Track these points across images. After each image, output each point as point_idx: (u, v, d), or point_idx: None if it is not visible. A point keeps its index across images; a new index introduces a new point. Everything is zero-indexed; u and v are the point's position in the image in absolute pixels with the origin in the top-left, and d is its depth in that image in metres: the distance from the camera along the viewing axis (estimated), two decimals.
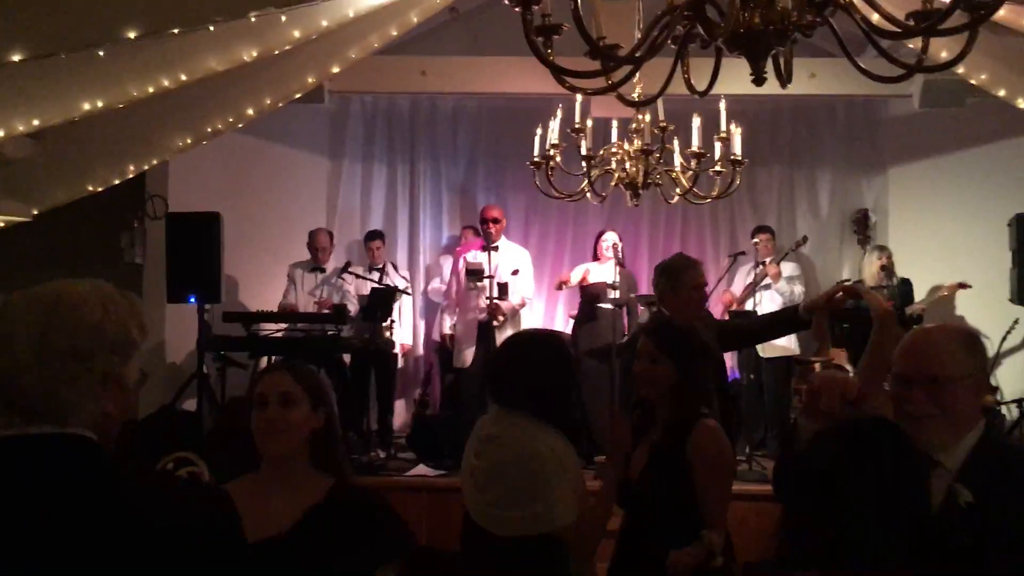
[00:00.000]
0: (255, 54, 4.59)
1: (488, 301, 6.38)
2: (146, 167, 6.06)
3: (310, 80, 5.72)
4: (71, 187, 6.09)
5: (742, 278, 7.68)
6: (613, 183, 5.08)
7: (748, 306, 7.49)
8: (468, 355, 6.67)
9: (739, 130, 5.20)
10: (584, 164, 4.84)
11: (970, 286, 7.00)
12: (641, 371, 3.00)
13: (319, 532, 2.11)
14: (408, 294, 7.19)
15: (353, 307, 6.78)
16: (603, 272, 6.99)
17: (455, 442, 5.13)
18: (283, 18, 4.52)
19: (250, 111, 5.85)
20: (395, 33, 5.42)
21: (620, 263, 6.79)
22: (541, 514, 2.63)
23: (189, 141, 5.96)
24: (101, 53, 3.69)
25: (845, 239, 8.38)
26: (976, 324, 7.55)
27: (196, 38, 4.42)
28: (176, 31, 3.65)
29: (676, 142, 5.39)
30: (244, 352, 6.43)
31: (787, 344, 7.44)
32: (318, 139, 8.47)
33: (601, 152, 5.11)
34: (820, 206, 8.45)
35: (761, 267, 7.46)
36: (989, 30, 5.19)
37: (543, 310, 8.36)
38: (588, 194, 5.36)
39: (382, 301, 6.29)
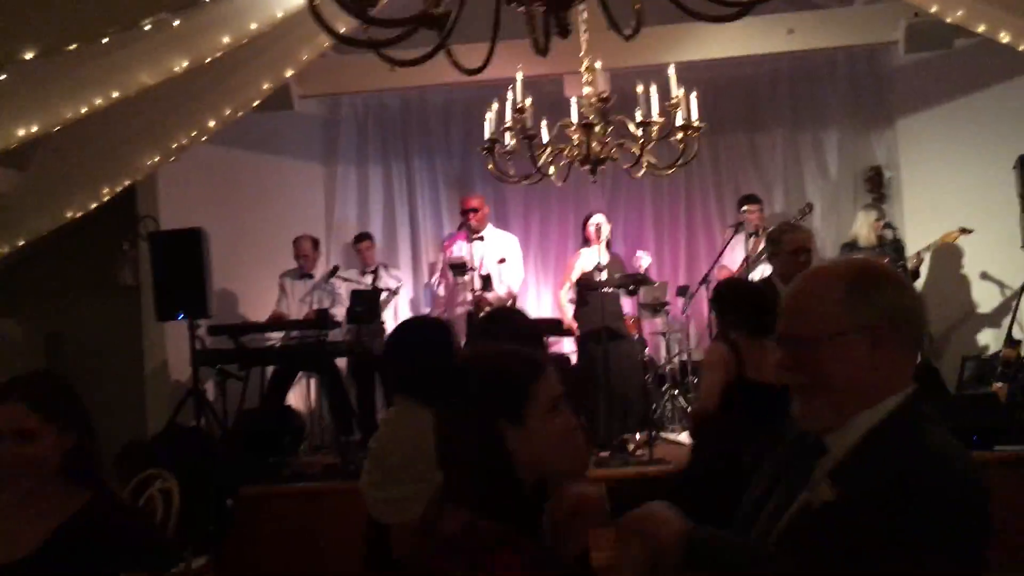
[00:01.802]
0: (185, 64, 4.54)
1: (472, 294, 6.27)
2: (119, 188, 6.08)
3: (265, 86, 5.67)
4: (52, 215, 6.16)
5: (739, 251, 7.41)
6: (563, 162, 4.91)
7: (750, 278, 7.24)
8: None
9: (694, 95, 4.96)
10: (528, 144, 4.68)
11: (971, 231, 6.64)
12: None
13: (67, 550, 2.03)
14: (395, 293, 7.10)
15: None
16: (593, 255, 6.81)
17: None
18: (211, 24, 4.47)
19: (211, 123, 5.83)
20: (343, 30, 5.32)
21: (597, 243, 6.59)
22: (410, 498, 2.52)
23: (157, 159, 5.98)
24: (3, 76, 3.66)
25: (859, 198, 8.04)
26: (990, 272, 7.22)
27: (124, 54, 4.40)
28: (73, 47, 3.59)
29: (638, 114, 5.20)
30: (235, 364, 6.43)
31: None
32: (311, 147, 8.46)
33: (555, 131, 4.97)
34: (828, 167, 8.12)
35: (753, 239, 7.20)
36: None
37: (550, 298, 8.20)
38: (552, 175, 5.24)
39: (365, 303, 6.22)
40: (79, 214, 6.18)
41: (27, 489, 2.11)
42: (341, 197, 8.47)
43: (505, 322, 3.05)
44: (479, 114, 8.29)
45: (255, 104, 5.90)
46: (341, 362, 6.79)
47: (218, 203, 7.63)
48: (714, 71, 7.95)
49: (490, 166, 5.00)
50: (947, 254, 7.17)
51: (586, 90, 4.86)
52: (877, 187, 7.83)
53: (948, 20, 5.33)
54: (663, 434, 7.00)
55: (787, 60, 7.84)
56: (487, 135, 4.92)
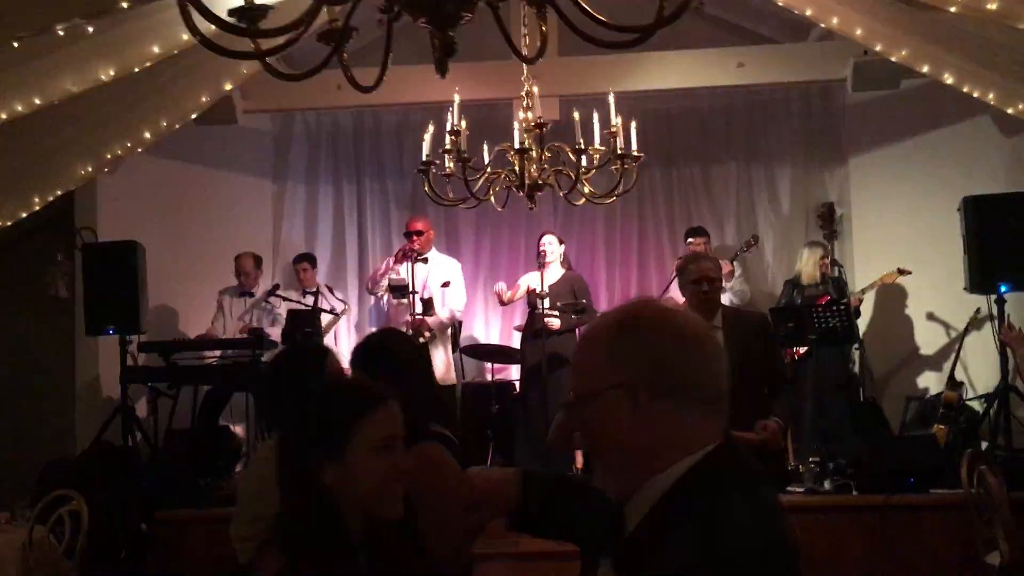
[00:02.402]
0: (112, 73, 4.41)
1: (412, 317, 6.15)
2: (51, 198, 5.92)
3: (204, 99, 5.54)
4: None
5: None
6: (500, 187, 4.82)
7: None
8: None
9: (633, 124, 4.91)
10: (463, 168, 4.60)
11: (909, 272, 6.64)
12: None
13: None
14: (338, 316, 6.94)
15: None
16: (548, 277, 6.70)
17: None
18: (139, 34, 4.36)
19: (147, 135, 5.71)
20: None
21: (541, 266, 6.50)
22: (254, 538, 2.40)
23: (90, 169, 5.82)
24: None
25: (811, 234, 8.01)
26: (935, 313, 7.21)
27: (48, 61, 4.27)
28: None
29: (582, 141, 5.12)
30: (165, 383, 6.26)
31: None
32: (262, 163, 8.32)
33: (493, 155, 4.89)
34: (781, 201, 8.10)
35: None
36: (908, 4, 4.90)
37: (499, 323, 8.10)
38: (492, 199, 5.16)
39: (301, 324, 6.09)
40: (8, 223, 6.00)
41: None
42: (289, 215, 8.32)
43: (382, 351, 2.85)
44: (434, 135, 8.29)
45: (194, 117, 5.76)
46: None
47: (162, 217, 7.49)
48: (670, 102, 7.94)
49: (426, 188, 4.89)
50: (892, 294, 7.18)
51: (524, 115, 4.78)
52: (829, 223, 7.79)
53: (893, 59, 5.33)
54: None
55: (742, 94, 7.84)
56: (424, 156, 4.82)
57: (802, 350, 6.74)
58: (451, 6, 1.98)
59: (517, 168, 4.63)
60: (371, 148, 8.31)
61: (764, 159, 8.08)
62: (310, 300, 7.01)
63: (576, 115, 4.69)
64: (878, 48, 5.24)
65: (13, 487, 6.71)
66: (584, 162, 4.76)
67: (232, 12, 2.07)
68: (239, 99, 6.48)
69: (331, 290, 7.23)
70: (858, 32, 5.14)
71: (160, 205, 7.49)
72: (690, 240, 7.28)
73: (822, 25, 5.47)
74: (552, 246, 6.70)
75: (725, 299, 7.05)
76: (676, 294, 7.25)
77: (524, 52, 4.76)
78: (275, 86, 6.81)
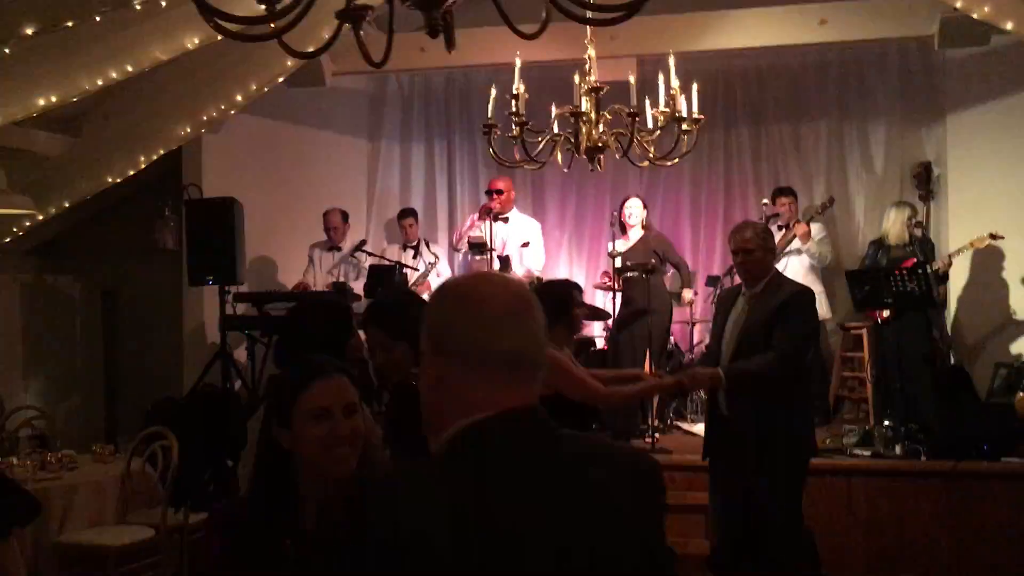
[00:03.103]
0: (197, 41, 4.73)
1: None
2: (154, 157, 6.38)
3: (289, 63, 5.84)
4: (95, 180, 6.49)
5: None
6: (558, 150, 4.94)
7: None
8: None
9: (695, 87, 4.90)
10: (517, 130, 4.73)
11: (1001, 237, 6.40)
12: (381, 365, 2.92)
13: None
14: (431, 267, 7.17)
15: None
16: (627, 241, 6.82)
17: None
18: (221, 2, 4.63)
19: (239, 97, 6.06)
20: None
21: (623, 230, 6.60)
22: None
23: (189, 130, 6.23)
24: (7, 50, 3.91)
25: (905, 195, 7.80)
26: (1023, 280, 6.96)
27: (136, 31, 4.62)
28: (70, 23, 3.81)
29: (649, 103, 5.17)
30: (258, 331, 6.69)
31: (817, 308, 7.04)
32: (357, 122, 8.65)
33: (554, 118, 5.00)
34: (874, 160, 7.90)
35: (785, 231, 7.09)
36: None
37: (582, 282, 8.22)
38: (559, 160, 5.27)
39: (382, 278, 6.38)
40: (118, 180, 6.50)
41: None
42: (384, 172, 8.64)
43: (393, 309, 3.02)
44: (532, 95, 8.43)
45: (281, 80, 6.08)
46: None
47: (263, 174, 7.89)
48: (759, 59, 7.83)
49: (490, 150, 5.06)
50: (989, 257, 6.94)
51: (586, 78, 4.86)
52: (925, 184, 7.57)
53: (975, 15, 5.14)
54: (681, 423, 7.01)
55: (836, 49, 7.65)
56: (488, 118, 4.97)
57: (885, 313, 6.64)
58: None
59: (573, 131, 4.71)
60: (461, 108, 8.52)
61: (857, 117, 7.88)
62: (410, 254, 7.37)
63: (631, 78, 4.72)
64: (958, 5, 5.06)
65: (128, 425, 7.35)
66: (639, 124, 4.79)
67: None
68: (327, 62, 6.75)
69: (428, 244, 7.52)
70: None
71: (261, 163, 7.89)
72: (777, 200, 7.22)
73: None
74: (635, 210, 6.76)
75: (803, 260, 7.01)
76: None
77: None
78: (355, 50, 7.08)
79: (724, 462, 4.28)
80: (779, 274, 4.29)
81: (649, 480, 1.41)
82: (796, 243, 6.99)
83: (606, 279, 6.86)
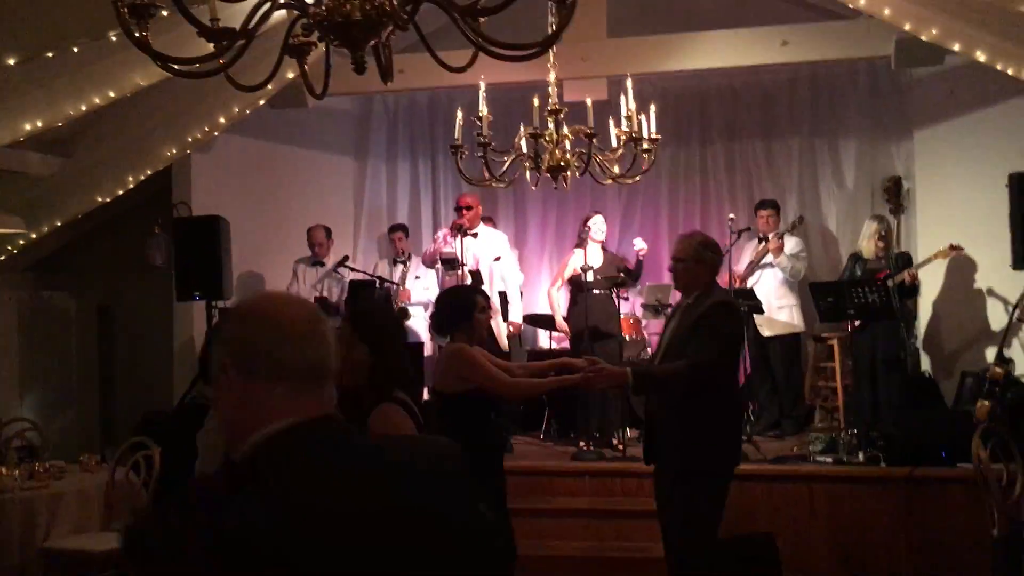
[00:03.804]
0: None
1: None
2: (142, 177, 6.60)
3: (269, 87, 6.06)
4: (85, 199, 6.72)
5: (747, 255, 7.52)
6: (519, 168, 5.16)
7: (750, 283, 7.34)
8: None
9: (652, 109, 5.12)
10: (484, 151, 4.95)
11: (961, 249, 6.59)
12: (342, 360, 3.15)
13: None
14: (395, 284, 7.42)
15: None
16: (590, 256, 7.03)
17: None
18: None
19: (221, 119, 6.29)
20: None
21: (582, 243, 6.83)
22: None
23: (175, 151, 6.46)
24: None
25: (876, 209, 8.00)
26: (995, 289, 7.15)
27: (118, 59, 4.84)
28: (50, 55, 4.04)
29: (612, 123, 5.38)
30: None
31: (790, 320, 7.25)
32: (344, 141, 8.89)
33: (518, 139, 5.21)
34: (845, 175, 8.12)
35: (763, 243, 7.30)
36: None
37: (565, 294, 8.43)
38: (528, 177, 5.49)
39: (360, 295, 6.60)
40: (108, 199, 6.73)
41: None
42: (371, 190, 8.88)
43: (365, 317, 3.34)
44: (501, 115, 8.66)
45: (262, 103, 6.31)
46: None
47: (251, 192, 8.12)
48: (733, 77, 8.05)
49: (458, 168, 5.27)
50: (960, 269, 7.13)
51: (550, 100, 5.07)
52: (895, 197, 7.77)
53: (923, 38, 5.35)
54: None
55: (806, 68, 7.87)
56: (455, 138, 5.19)
57: (857, 323, 6.83)
58: (356, 31, 2.35)
59: (526, 150, 4.93)
60: (445, 126, 8.73)
61: (828, 133, 8.11)
62: (400, 267, 7.61)
63: (588, 100, 4.94)
64: (907, 27, 5.27)
65: (123, 436, 7.56)
66: (600, 144, 5.01)
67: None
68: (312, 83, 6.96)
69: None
70: (886, 12, 5.19)
71: (249, 181, 8.12)
72: (759, 214, 7.42)
73: (850, 6, 5.52)
74: (599, 226, 7.01)
75: (776, 273, 7.20)
76: (739, 266, 7.48)
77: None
78: (343, 71, 7.31)
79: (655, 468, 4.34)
80: (712, 287, 4.21)
81: (453, 470, 1.46)
82: (770, 256, 7.19)
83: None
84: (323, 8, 2.37)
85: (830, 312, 6.36)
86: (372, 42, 2.40)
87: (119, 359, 8.81)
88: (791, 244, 7.22)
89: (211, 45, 2.59)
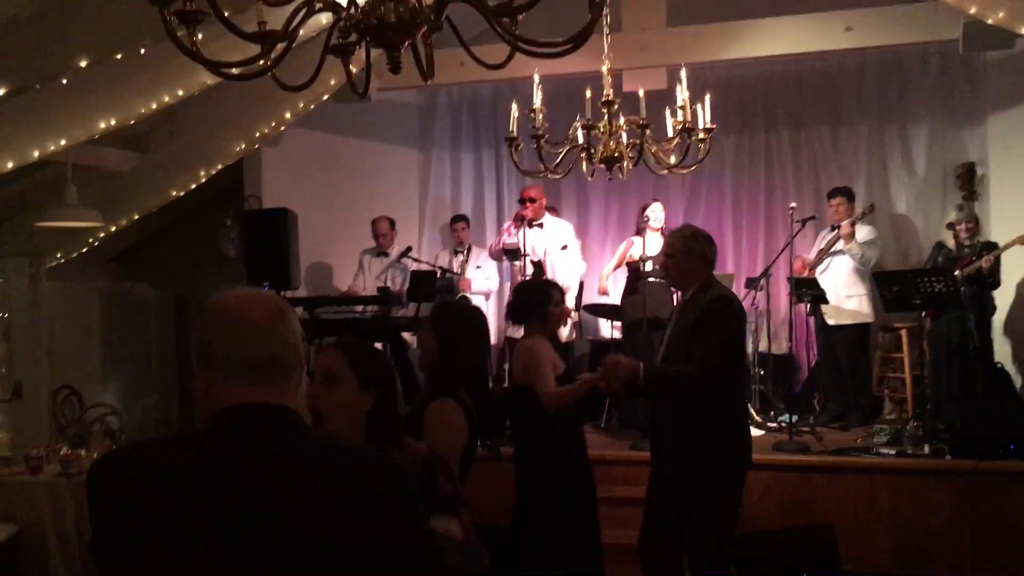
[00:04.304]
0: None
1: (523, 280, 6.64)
2: (213, 172, 6.82)
3: (332, 82, 6.22)
4: (160, 193, 6.97)
5: (819, 244, 7.42)
6: (573, 158, 5.20)
7: (819, 272, 7.24)
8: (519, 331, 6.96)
9: (707, 98, 5.10)
10: (537, 143, 5.00)
11: None
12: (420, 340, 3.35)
13: None
14: (457, 274, 7.53)
15: None
16: (649, 245, 7.03)
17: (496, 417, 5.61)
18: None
19: (287, 114, 6.46)
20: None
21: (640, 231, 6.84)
22: None
23: (243, 146, 6.67)
24: (64, 81, 4.35)
25: (948, 196, 7.82)
26: None
27: (187, 60, 5.02)
28: (119, 56, 4.23)
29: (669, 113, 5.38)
30: (309, 333, 7.08)
31: (859, 310, 7.12)
32: (408, 133, 9.04)
33: (571, 130, 5.25)
34: (916, 163, 7.93)
35: (835, 232, 7.19)
36: None
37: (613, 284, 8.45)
38: (584, 168, 5.52)
39: (423, 283, 6.71)
40: (181, 193, 6.97)
41: None
42: (435, 181, 9.01)
43: (440, 318, 3.49)
44: (562, 106, 8.69)
45: (326, 98, 6.47)
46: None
47: (319, 184, 8.32)
48: (798, 64, 7.93)
49: (514, 160, 5.33)
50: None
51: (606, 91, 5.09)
52: (968, 184, 7.58)
53: (990, 21, 5.21)
54: None
55: (875, 53, 7.72)
56: (511, 131, 5.25)
57: (926, 313, 6.69)
58: (391, 33, 2.44)
59: (581, 142, 4.97)
60: (507, 117, 8.77)
61: (898, 119, 7.94)
62: (460, 257, 7.73)
63: (641, 92, 4.94)
64: (972, 11, 5.14)
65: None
66: (654, 134, 5.02)
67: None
68: (373, 78, 7.08)
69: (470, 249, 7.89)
70: None
71: (317, 174, 8.32)
72: (831, 202, 7.31)
73: None
74: (657, 213, 7.01)
75: (847, 261, 7.06)
76: (805, 249, 7.40)
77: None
78: (406, 66, 7.44)
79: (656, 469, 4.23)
80: (709, 281, 4.04)
81: (378, 487, 1.48)
82: (841, 244, 7.08)
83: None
84: (358, 11, 2.46)
85: (895, 302, 6.24)
86: (407, 43, 2.48)
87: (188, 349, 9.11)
88: (863, 232, 7.08)
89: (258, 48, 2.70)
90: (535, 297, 4.30)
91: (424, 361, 3.40)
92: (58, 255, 7.43)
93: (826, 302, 7.08)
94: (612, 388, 4.05)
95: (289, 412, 1.51)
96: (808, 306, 7.17)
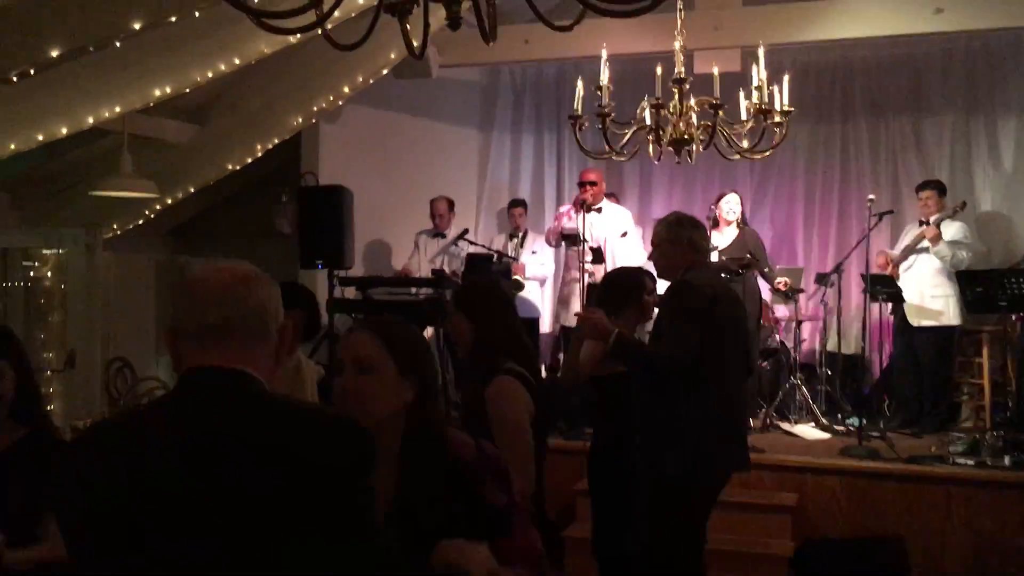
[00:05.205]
0: (299, 36, 4.95)
1: (581, 265, 6.40)
2: (270, 146, 6.69)
3: (393, 56, 6.04)
4: (217, 166, 6.88)
5: (905, 239, 7.01)
6: (638, 141, 4.93)
7: (903, 269, 6.86)
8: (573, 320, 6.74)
9: (786, 79, 4.78)
10: (603, 122, 4.75)
11: None
12: (450, 327, 3.25)
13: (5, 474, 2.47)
14: (512, 259, 7.31)
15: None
16: (721, 236, 6.77)
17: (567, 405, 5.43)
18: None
19: (345, 88, 6.30)
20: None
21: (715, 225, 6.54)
22: None
23: (300, 120, 6.52)
24: (118, 44, 4.22)
25: None
26: None
27: (245, 26, 4.87)
28: (173, 19, 4.08)
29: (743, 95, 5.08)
30: (362, 313, 6.93)
31: (943, 310, 6.72)
32: (469, 113, 8.82)
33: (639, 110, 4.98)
34: (1003, 157, 7.49)
35: (923, 227, 6.78)
36: None
37: None
38: (651, 150, 5.25)
39: (479, 266, 6.52)
40: (237, 167, 6.87)
41: None
42: (495, 162, 8.80)
43: (473, 295, 3.36)
44: (627, 88, 8.41)
45: (386, 72, 6.28)
46: None
47: (377, 162, 8.16)
48: (878, 49, 7.55)
49: (577, 140, 5.09)
50: None
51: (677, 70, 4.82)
52: None
53: None
54: (781, 423, 6.85)
55: (963, 38, 7.29)
56: (575, 109, 5.01)
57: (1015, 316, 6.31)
58: None
59: (649, 123, 4.71)
60: (571, 98, 8.52)
61: (985, 110, 7.49)
62: (515, 242, 7.53)
63: (715, 69, 4.66)
64: None
65: None
66: (726, 117, 4.73)
67: None
68: (434, 54, 6.91)
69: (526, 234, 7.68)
70: None
71: (376, 151, 8.16)
72: (920, 195, 6.90)
73: None
74: (732, 206, 6.71)
75: (933, 260, 6.66)
76: (879, 245, 7.03)
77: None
78: (468, 42, 7.23)
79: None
80: (692, 267, 3.76)
81: (343, 446, 1.47)
82: (926, 242, 6.69)
83: None
84: None
85: (978, 303, 5.88)
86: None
87: None
88: (953, 230, 6.64)
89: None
90: (629, 285, 4.13)
91: (462, 346, 3.23)
92: (114, 226, 7.39)
93: (901, 301, 6.71)
94: (583, 335, 3.84)
95: (242, 376, 1.50)
96: (890, 305, 6.81)
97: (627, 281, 4.15)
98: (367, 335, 2.00)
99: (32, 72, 4.29)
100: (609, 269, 6.56)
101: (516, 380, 3.04)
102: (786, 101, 4.76)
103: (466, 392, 3.29)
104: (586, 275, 6.53)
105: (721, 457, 3.71)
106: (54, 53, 4.17)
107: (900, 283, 6.69)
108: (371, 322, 2.10)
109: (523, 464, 2.83)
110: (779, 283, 6.82)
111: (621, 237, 6.78)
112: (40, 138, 5.05)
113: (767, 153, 5.03)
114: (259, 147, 6.67)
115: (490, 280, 4.56)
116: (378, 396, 1.92)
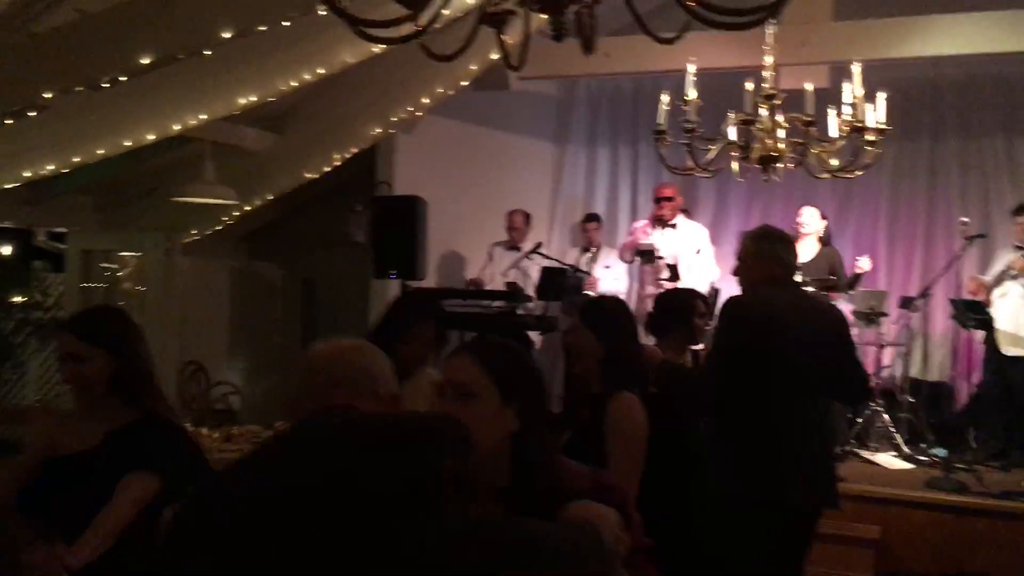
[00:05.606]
0: (383, 46, 4.95)
1: (657, 283, 6.29)
2: (347, 155, 6.72)
3: (473, 67, 6.01)
4: (293, 175, 6.93)
5: (999, 264, 6.72)
6: (726, 157, 4.82)
7: (996, 295, 6.58)
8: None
9: (882, 96, 4.63)
10: (689, 138, 4.65)
11: None
12: (570, 343, 3.17)
13: (117, 453, 2.47)
14: (587, 274, 7.21)
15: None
16: (801, 251, 6.57)
17: None
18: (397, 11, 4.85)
19: (425, 100, 6.29)
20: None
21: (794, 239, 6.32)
22: None
23: (379, 130, 6.53)
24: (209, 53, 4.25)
25: None
26: None
27: (328, 36, 4.90)
28: (262, 28, 4.10)
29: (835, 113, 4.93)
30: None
31: None
32: (544, 126, 8.77)
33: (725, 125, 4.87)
34: None
35: (1021, 253, 6.49)
36: None
37: None
38: (736, 168, 5.14)
39: (553, 280, 6.44)
40: (315, 175, 6.90)
41: (86, 401, 2.58)
42: (569, 176, 8.72)
43: (599, 315, 3.33)
44: (711, 104, 8.26)
45: (464, 84, 6.26)
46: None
47: (452, 174, 8.14)
48: (970, 66, 7.29)
49: (660, 155, 5.00)
50: None
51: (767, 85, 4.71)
52: None
53: None
54: (861, 451, 6.62)
55: None
56: (659, 124, 4.93)
57: None
58: None
59: (735, 138, 4.59)
60: (648, 114, 8.43)
61: None
62: (588, 257, 7.45)
63: (808, 85, 4.53)
64: None
65: None
66: (818, 134, 4.60)
67: None
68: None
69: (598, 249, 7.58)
70: None
71: (451, 163, 8.14)
72: (1016, 220, 6.63)
73: None
74: (811, 219, 6.51)
75: (1021, 292, 6.38)
76: (969, 270, 6.76)
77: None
78: (546, 54, 7.16)
79: None
80: (768, 285, 3.57)
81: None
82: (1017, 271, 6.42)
83: None
84: None
85: None
86: (575, 7, 2.19)
87: (320, 331, 9.11)
88: None
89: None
90: (678, 307, 3.97)
91: (584, 364, 3.10)
92: (193, 231, 7.49)
93: (989, 328, 6.45)
94: None
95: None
96: (983, 334, 6.54)
97: (677, 304, 4.01)
98: (466, 358, 1.88)
99: (122, 79, 4.34)
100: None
101: (639, 400, 2.99)
102: (882, 118, 4.60)
103: (577, 409, 3.18)
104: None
105: (761, 487, 3.42)
106: (145, 61, 4.21)
107: (992, 310, 6.43)
108: (472, 344, 1.98)
109: (630, 480, 2.77)
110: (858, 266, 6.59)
111: (696, 254, 6.64)
112: (127, 144, 5.12)
113: (858, 173, 4.87)
114: (336, 156, 6.71)
115: (595, 297, 4.47)
116: (479, 425, 1.74)
